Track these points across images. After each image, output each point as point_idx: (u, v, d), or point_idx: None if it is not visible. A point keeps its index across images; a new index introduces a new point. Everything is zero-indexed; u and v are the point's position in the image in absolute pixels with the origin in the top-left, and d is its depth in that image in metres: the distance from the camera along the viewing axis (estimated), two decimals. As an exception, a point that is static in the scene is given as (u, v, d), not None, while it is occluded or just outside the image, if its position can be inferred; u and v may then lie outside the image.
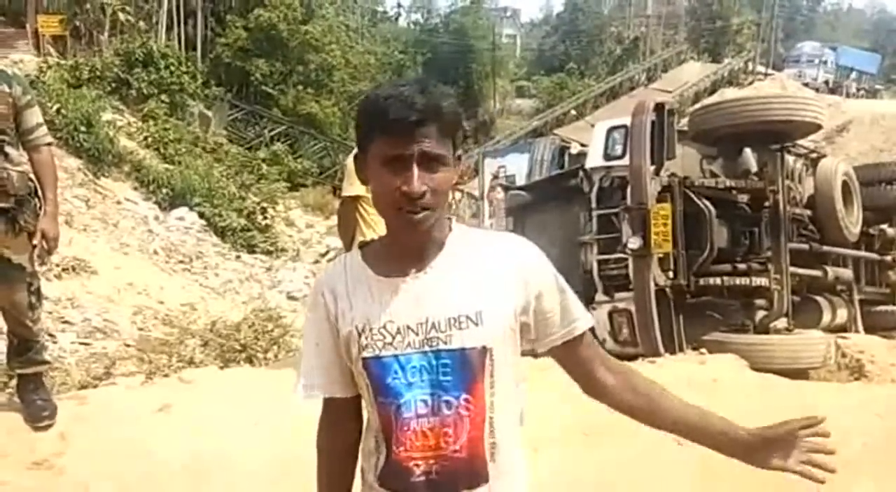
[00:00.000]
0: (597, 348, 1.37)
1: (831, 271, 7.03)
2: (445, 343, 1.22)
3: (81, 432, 3.21)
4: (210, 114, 24.20)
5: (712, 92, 31.05)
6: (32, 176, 3.14)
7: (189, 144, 20.27)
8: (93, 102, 16.46)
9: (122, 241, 12.58)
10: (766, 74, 35.16)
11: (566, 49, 44.56)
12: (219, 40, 28.02)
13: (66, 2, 23.14)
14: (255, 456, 3.18)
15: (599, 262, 6.24)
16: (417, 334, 1.23)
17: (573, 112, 31.47)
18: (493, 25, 44.10)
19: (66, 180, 12.82)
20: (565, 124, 29.69)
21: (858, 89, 39.14)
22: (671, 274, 5.92)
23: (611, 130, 6.61)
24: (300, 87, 28.12)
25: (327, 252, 16.60)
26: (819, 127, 6.81)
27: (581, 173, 6.66)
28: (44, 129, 3.20)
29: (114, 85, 20.38)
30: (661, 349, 5.63)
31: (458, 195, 18.72)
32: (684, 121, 8.01)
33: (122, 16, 23.64)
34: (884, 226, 8.11)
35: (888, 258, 8.22)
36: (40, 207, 3.14)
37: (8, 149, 3.05)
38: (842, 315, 7.16)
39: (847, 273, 7.45)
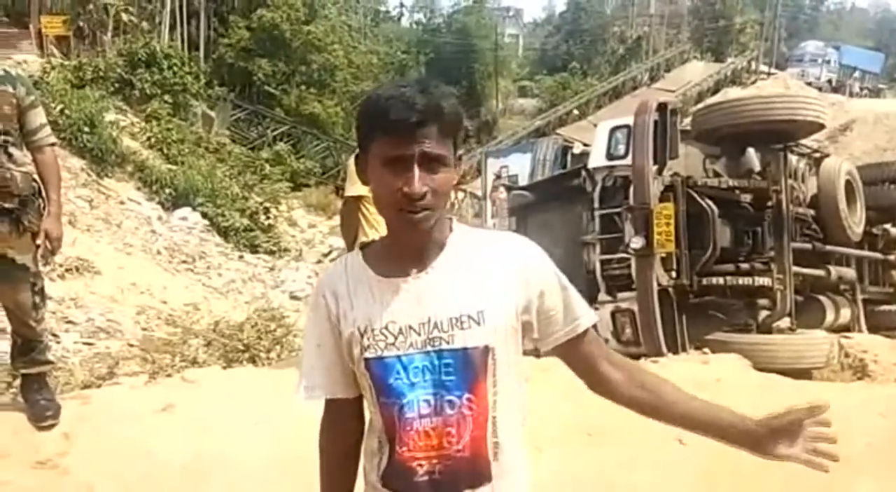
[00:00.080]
0: (601, 345, 1.38)
1: (834, 271, 7.02)
2: (448, 343, 1.22)
3: (85, 432, 3.22)
4: (213, 114, 24.24)
5: (715, 91, 30.98)
6: (36, 176, 3.14)
7: (192, 144, 20.30)
8: (96, 103, 16.51)
9: (126, 241, 12.61)
10: (769, 74, 35.06)
11: (569, 49, 44.50)
12: (222, 40, 28.08)
13: (70, 2, 23.19)
14: (258, 456, 3.18)
15: (602, 262, 6.24)
16: (419, 334, 1.23)
17: (576, 112, 31.41)
18: (495, 25, 44.13)
19: (69, 181, 12.86)
20: (568, 124, 29.64)
21: (862, 89, 38.97)
22: (674, 274, 5.92)
23: (613, 129, 6.61)
24: (303, 88, 28.15)
25: (330, 252, 16.61)
26: (822, 126, 6.81)
27: (584, 173, 6.65)
28: (47, 129, 3.21)
29: (117, 85, 20.43)
30: (664, 349, 5.63)
31: (460, 195, 18.74)
32: (687, 120, 8.00)
33: (125, 16, 23.71)
34: (887, 225, 8.09)
35: (892, 258, 8.20)
36: (44, 208, 3.14)
37: (12, 149, 3.06)
38: (845, 315, 7.15)
39: (850, 273, 7.43)
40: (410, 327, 1.23)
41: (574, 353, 1.34)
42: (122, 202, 14.79)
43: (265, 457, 3.16)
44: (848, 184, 7.23)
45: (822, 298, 6.93)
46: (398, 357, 1.23)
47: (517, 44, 55.99)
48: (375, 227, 3.41)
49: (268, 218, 17.88)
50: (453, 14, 43.84)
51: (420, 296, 1.24)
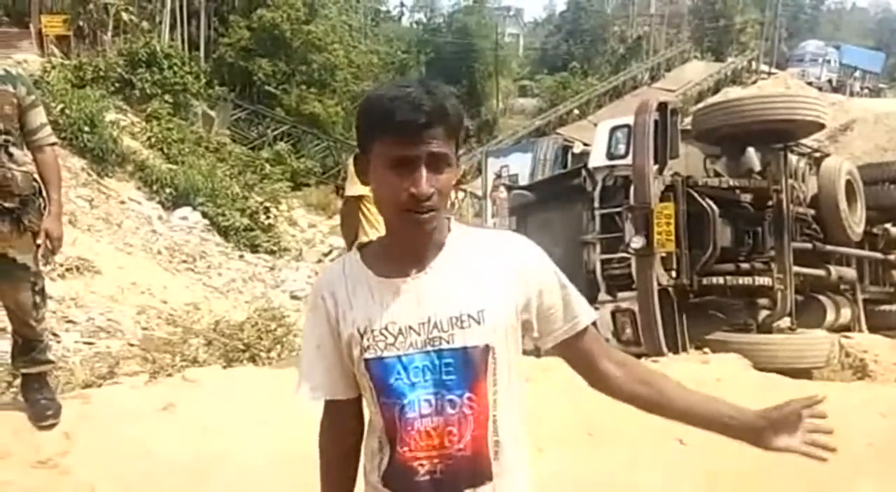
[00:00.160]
0: (601, 342, 1.38)
1: (835, 271, 7.02)
2: (448, 342, 1.22)
3: (86, 432, 3.22)
4: (213, 114, 24.24)
5: (716, 91, 30.98)
6: (37, 176, 3.15)
7: (192, 143, 20.32)
8: (96, 102, 16.51)
9: (126, 240, 12.62)
10: (769, 73, 35.03)
11: (569, 48, 44.49)
12: (222, 40, 28.09)
13: (70, 2, 23.20)
14: (259, 455, 3.18)
15: (602, 261, 6.24)
16: (419, 334, 1.23)
17: (576, 111, 31.43)
18: (496, 25, 44.14)
19: (69, 180, 12.86)
20: (568, 124, 29.66)
21: (862, 88, 38.96)
22: (674, 273, 5.92)
23: (614, 129, 6.61)
24: (303, 87, 28.15)
25: (330, 252, 16.62)
26: (822, 126, 6.81)
27: (584, 173, 6.66)
28: (48, 129, 3.21)
29: (117, 85, 20.43)
30: (665, 349, 5.63)
31: (460, 195, 18.74)
32: (687, 120, 8.01)
33: (125, 16, 23.72)
34: (888, 225, 8.10)
35: (892, 257, 8.21)
36: (44, 207, 3.14)
37: (12, 149, 3.06)
38: (845, 314, 7.15)
39: (850, 272, 7.44)
40: (410, 328, 1.23)
41: (574, 350, 1.34)
42: (122, 202, 14.80)
43: (265, 456, 3.16)
44: (848, 184, 7.23)
45: (822, 297, 6.93)
46: (398, 357, 1.23)
47: (517, 43, 55.98)
48: (376, 226, 3.41)
49: (268, 218, 17.89)
50: (454, 14, 43.87)
51: (420, 296, 1.24)
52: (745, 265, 6.25)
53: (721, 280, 6.02)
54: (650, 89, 30.47)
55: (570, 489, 3.09)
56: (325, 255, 16.67)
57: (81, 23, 22.98)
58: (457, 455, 1.22)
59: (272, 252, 16.35)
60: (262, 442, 3.27)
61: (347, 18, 35.42)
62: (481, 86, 38.49)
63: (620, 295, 6.05)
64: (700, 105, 19.82)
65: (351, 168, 3.12)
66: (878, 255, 8.03)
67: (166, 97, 20.77)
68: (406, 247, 1.26)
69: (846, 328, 7.06)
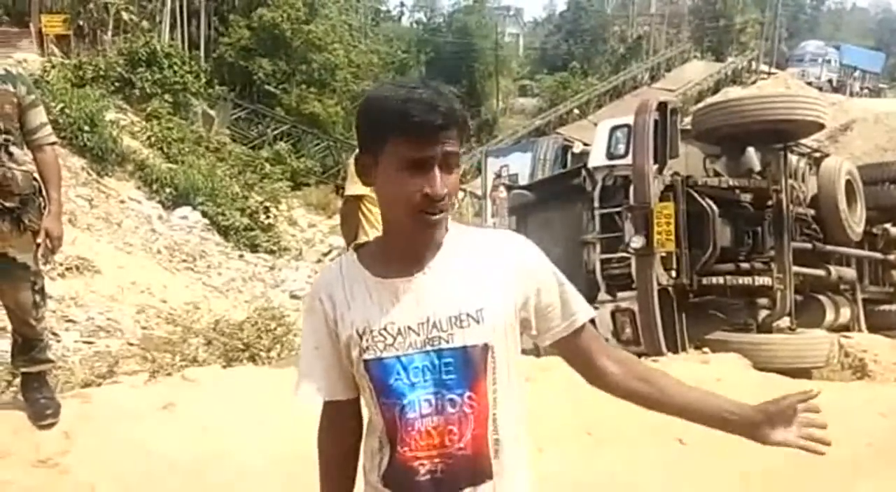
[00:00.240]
0: (599, 340, 1.38)
1: (834, 271, 7.03)
2: (447, 342, 1.22)
3: (85, 431, 3.22)
4: (213, 113, 24.22)
5: (716, 91, 30.99)
6: (37, 175, 3.15)
7: (192, 143, 20.29)
8: (96, 102, 16.50)
9: (126, 240, 12.61)
10: (769, 73, 35.03)
11: (569, 48, 44.50)
12: (222, 40, 28.07)
13: (70, 1, 23.19)
14: (259, 454, 3.19)
15: (602, 261, 6.24)
16: (419, 334, 1.23)
17: (576, 111, 31.43)
18: (496, 24, 44.16)
19: (69, 180, 12.85)
20: (568, 123, 29.67)
21: (862, 88, 38.98)
22: (674, 273, 5.92)
23: (614, 128, 6.62)
24: (303, 87, 28.13)
25: (330, 251, 16.61)
26: (822, 126, 6.81)
27: (584, 172, 6.66)
28: (48, 128, 3.21)
29: (117, 84, 20.41)
30: (664, 349, 5.64)
31: (460, 195, 18.74)
32: (687, 120, 8.00)
33: (125, 15, 23.71)
34: (887, 225, 8.10)
35: (892, 257, 8.21)
36: (44, 207, 3.15)
37: (12, 148, 3.06)
38: (845, 314, 7.16)
39: (850, 272, 7.44)
40: (409, 328, 1.23)
41: (572, 348, 1.35)
42: (122, 201, 14.79)
43: (265, 456, 3.16)
44: (848, 184, 7.23)
45: (822, 297, 6.94)
46: (398, 358, 1.23)
47: (517, 43, 55.97)
48: (376, 226, 3.41)
49: (268, 217, 17.89)
50: (454, 13, 43.89)
51: (419, 296, 1.24)
52: (744, 265, 6.26)
53: (721, 280, 6.02)
54: (650, 89, 30.47)
55: (570, 489, 3.09)
56: (325, 254, 16.66)
57: (81, 22, 22.97)
58: (457, 454, 1.22)
59: (272, 252, 16.34)
60: (262, 442, 3.27)
61: (347, 18, 35.38)
62: (481, 85, 38.50)
63: (620, 295, 6.06)
64: (700, 105, 19.80)
65: (351, 168, 3.12)
66: (878, 255, 8.03)
67: (166, 97, 20.75)
68: (406, 247, 1.26)
69: (846, 328, 7.07)
